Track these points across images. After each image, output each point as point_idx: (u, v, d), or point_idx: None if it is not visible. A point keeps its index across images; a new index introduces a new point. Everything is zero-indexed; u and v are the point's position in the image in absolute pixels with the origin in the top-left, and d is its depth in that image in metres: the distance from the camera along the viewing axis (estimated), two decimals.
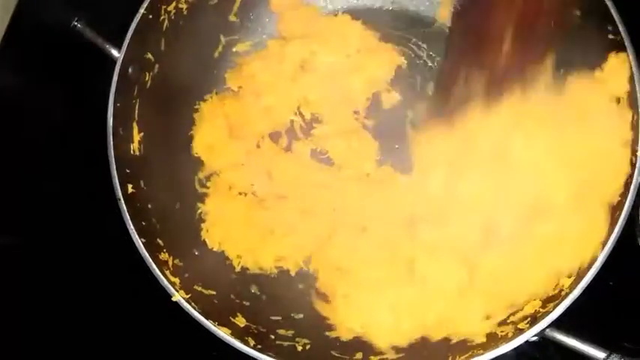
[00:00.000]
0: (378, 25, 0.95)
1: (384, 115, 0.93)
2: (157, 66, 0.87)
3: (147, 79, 0.86)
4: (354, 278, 0.84)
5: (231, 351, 0.75)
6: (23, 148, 0.91)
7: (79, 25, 0.86)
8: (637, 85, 0.77)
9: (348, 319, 0.83)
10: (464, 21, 0.89)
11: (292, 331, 0.83)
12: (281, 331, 0.82)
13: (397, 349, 0.79)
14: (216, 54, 0.96)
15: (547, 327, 0.72)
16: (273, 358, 0.74)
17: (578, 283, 0.73)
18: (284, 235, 0.88)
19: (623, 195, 0.75)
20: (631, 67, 0.77)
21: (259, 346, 0.76)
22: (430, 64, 0.94)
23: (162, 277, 0.77)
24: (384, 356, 0.79)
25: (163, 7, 0.86)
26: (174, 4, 0.87)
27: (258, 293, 0.87)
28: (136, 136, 0.85)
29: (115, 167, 0.80)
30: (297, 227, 0.88)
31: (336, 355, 0.80)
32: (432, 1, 0.96)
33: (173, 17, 0.87)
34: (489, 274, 0.80)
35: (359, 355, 0.79)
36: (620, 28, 0.77)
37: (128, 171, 0.82)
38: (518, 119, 0.81)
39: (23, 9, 0.88)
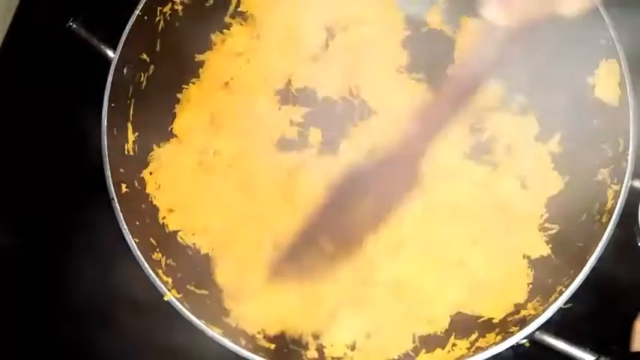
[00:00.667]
0: None
1: None
2: (152, 67, 0.87)
3: (142, 79, 0.87)
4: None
5: (223, 351, 0.75)
6: (22, 147, 0.92)
7: (74, 26, 0.86)
8: (628, 89, 0.77)
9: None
10: None
11: None
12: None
13: None
14: None
15: (536, 330, 0.72)
16: (264, 358, 0.74)
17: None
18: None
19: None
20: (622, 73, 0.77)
21: (250, 346, 0.76)
22: None
23: (154, 276, 0.77)
24: None
25: (159, 8, 0.86)
26: (169, 5, 0.87)
27: None
28: (131, 136, 0.85)
29: (108, 167, 0.80)
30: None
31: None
32: None
33: (169, 18, 0.87)
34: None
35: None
36: (612, 33, 0.78)
37: (122, 171, 0.82)
38: None
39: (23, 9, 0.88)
